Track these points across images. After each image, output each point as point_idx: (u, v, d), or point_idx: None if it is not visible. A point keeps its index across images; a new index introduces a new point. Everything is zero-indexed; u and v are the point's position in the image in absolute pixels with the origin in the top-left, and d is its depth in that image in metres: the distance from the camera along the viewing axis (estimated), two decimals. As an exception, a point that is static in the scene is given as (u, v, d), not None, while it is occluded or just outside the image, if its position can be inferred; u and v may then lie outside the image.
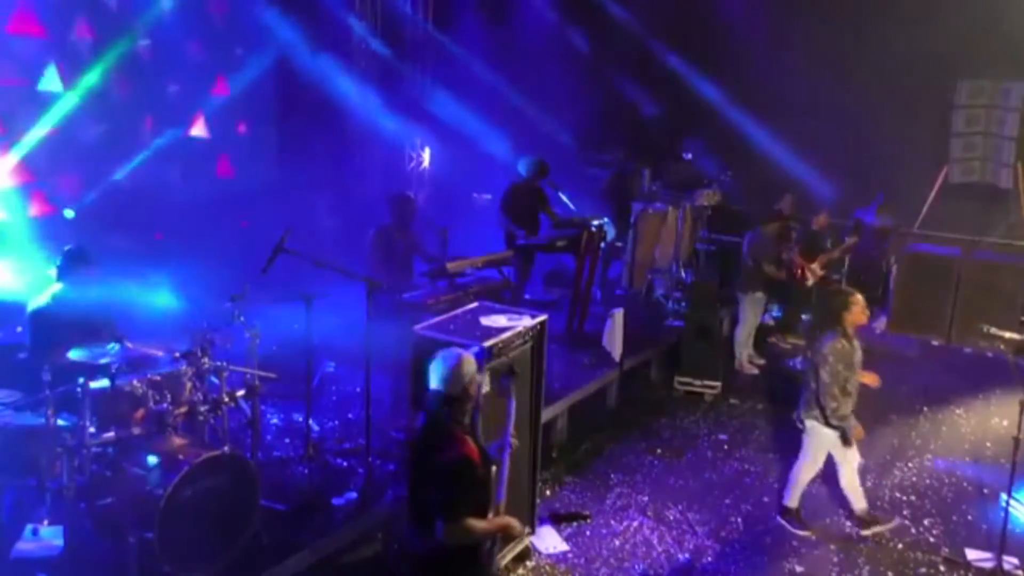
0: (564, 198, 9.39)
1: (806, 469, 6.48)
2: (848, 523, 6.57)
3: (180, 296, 6.78)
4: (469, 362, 4.12)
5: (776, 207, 9.84)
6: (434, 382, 4.09)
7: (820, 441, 6.31)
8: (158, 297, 6.64)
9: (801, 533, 6.39)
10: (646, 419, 8.22)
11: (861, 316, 6.16)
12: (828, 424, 6.15)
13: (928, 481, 7.25)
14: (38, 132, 8.22)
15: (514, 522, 4.17)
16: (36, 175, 8.41)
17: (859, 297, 6.16)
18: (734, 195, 11.57)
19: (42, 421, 4.89)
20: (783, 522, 6.52)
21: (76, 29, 8.67)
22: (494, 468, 4.16)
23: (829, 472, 7.33)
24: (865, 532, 6.37)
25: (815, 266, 10.02)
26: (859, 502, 6.46)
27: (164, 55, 9.45)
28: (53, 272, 5.81)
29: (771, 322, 10.76)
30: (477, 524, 3.92)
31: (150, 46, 9.28)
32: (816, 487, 7.09)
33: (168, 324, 6.22)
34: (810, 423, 6.31)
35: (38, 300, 5.72)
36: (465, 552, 3.99)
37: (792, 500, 6.54)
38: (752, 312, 9.45)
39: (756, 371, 9.54)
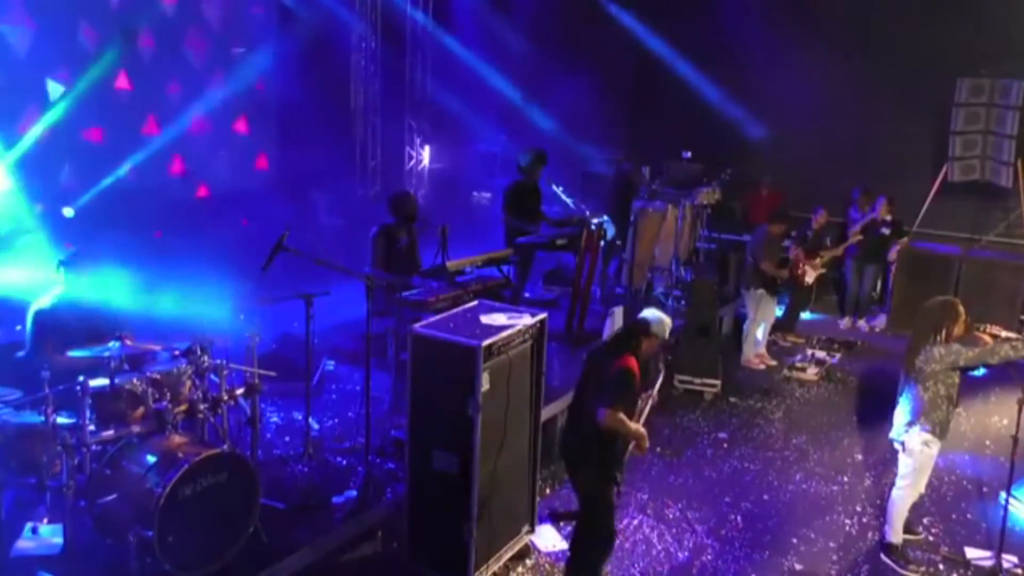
0: (563, 195, 9.38)
1: (908, 496, 5.95)
2: (848, 522, 6.57)
3: (179, 294, 6.78)
4: (669, 324, 5.27)
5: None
6: (647, 314, 5.21)
7: (924, 461, 5.84)
8: (157, 295, 6.63)
9: (907, 573, 5.90)
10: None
11: (963, 327, 5.73)
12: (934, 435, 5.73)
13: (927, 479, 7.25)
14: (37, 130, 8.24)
15: (646, 437, 5.13)
16: (38, 173, 8.42)
17: (961, 308, 5.75)
18: (734, 194, 11.56)
19: (42, 420, 4.88)
20: (888, 561, 5.97)
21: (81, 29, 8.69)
22: (639, 402, 5.29)
23: (828, 470, 7.36)
24: (887, 559, 6.01)
25: (816, 262, 10.06)
26: (897, 533, 6.03)
27: (163, 54, 9.45)
28: (55, 273, 5.79)
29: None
30: (626, 420, 4.98)
31: (151, 45, 9.29)
32: (815, 485, 7.10)
33: (168, 322, 6.21)
34: (911, 442, 5.80)
35: (42, 301, 5.69)
36: (610, 438, 5.07)
37: (895, 535, 6.00)
38: (757, 309, 9.46)
39: (763, 367, 9.55)
